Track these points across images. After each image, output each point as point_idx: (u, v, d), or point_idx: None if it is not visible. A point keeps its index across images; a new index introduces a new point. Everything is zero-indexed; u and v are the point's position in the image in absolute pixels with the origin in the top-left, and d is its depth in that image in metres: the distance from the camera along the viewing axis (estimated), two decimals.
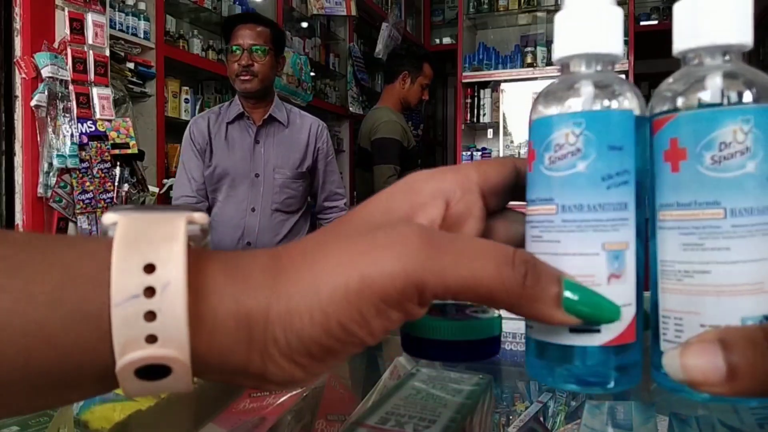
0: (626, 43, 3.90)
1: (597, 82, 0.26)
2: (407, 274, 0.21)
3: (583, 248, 0.25)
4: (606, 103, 0.26)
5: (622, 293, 0.25)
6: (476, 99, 4.28)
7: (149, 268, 0.21)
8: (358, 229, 0.25)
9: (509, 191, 0.29)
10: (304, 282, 0.22)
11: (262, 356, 0.22)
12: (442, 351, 0.29)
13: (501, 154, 4.14)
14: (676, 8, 0.26)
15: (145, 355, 0.21)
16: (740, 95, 0.24)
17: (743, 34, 0.25)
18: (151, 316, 0.21)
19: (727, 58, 0.26)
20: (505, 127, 4.13)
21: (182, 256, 0.21)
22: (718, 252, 0.24)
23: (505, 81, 4.15)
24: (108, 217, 0.23)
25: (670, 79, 0.26)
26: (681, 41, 0.26)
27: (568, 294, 0.23)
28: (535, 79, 3.98)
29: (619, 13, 0.27)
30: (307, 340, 0.22)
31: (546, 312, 0.23)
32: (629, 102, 0.26)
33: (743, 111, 0.24)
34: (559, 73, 0.28)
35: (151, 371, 0.21)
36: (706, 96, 0.25)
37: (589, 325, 0.25)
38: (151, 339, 0.21)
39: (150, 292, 0.21)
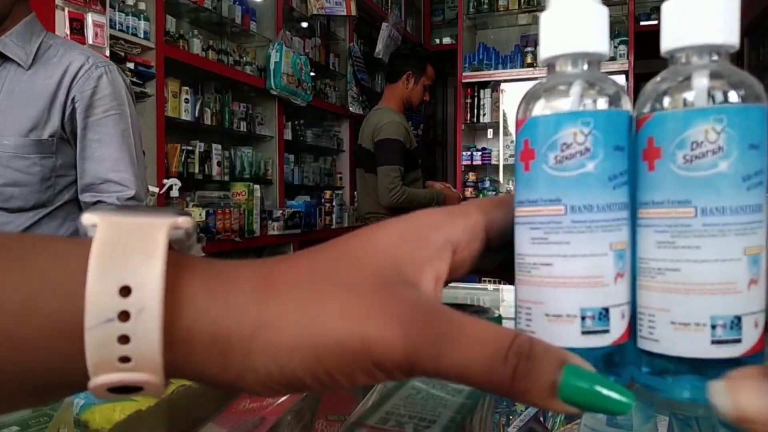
0: (626, 43, 3.91)
1: (597, 81, 0.26)
2: (406, 352, 0.21)
3: (593, 249, 0.25)
4: (611, 102, 0.26)
5: (624, 292, 0.26)
6: (476, 99, 4.29)
7: (125, 291, 0.20)
8: (362, 276, 0.24)
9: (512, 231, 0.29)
10: (297, 317, 0.22)
11: (236, 379, 0.22)
12: None
13: (501, 154, 4.15)
14: (664, 8, 0.26)
15: (117, 378, 0.21)
16: (716, 95, 0.24)
17: (729, 34, 0.25)
18: (124, 339, 0.20)
19: (714, 58, 0.26)
20: (505, 127, 4.14)
21: (159, 278, 0.21)
22: (688, 250, 0.24)
23: (505, 81, 4.16)
24: (88, 218, 0.22)
25: (658, 78, 0.26)
26: (667, 41, 0.26)
27: (574, 382, 0.21)
28: (535, 79, 3.98)
29: (604, 11, 0.27)
30: (290, 374, 0.22)
31: (539, 403, 0.21)
32: (628, 102, 0.26)
33: (715, 111, 0.24)
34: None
35: (124, 386, 0.21)
36: (682, 96, 0.25)
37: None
38: (125, 359, 0.21)
39: (125, 316, 0.20)
